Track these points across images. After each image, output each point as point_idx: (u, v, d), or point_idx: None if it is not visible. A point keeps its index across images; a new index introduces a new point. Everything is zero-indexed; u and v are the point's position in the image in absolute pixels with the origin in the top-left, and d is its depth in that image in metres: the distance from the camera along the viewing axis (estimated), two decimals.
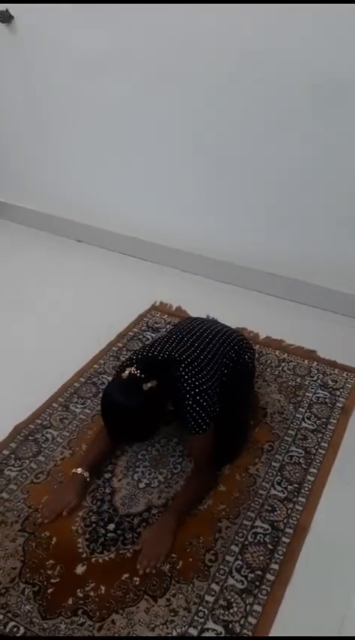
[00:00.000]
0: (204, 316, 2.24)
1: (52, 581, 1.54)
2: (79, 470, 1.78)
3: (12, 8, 2.64)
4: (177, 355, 1.72)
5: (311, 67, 2.15)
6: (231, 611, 1.49)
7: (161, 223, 2.93)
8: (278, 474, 1.87)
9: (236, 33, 2.22)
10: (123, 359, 2.14)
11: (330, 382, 2.26)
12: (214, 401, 1.70)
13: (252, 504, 1.76)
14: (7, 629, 1.43)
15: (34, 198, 3.29)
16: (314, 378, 2.28)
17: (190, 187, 2.75)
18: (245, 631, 1.44)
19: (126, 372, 1.55)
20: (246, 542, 1.65)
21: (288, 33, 2.13)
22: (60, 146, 3.00)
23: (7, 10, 2.65)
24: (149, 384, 1.51)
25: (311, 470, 1.88)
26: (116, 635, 1.43)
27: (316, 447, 1.97)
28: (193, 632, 1.44)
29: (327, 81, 2.14)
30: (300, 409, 2.13)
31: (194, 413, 1.64)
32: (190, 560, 1.60)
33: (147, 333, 2.53)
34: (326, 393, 2.20)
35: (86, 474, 1.77)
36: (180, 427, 1.99)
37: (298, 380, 2.27)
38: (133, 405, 1.51)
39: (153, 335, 2.51)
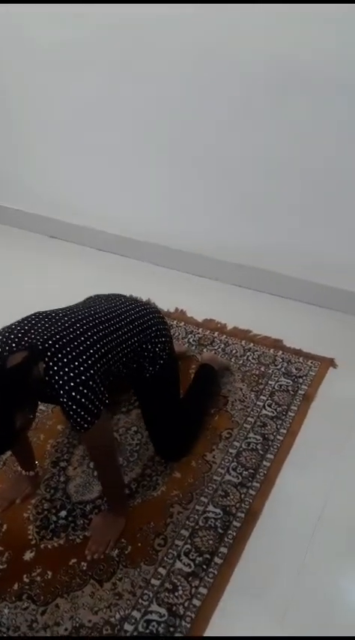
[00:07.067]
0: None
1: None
2: (24, 472, 1.76)
3: None
4: (41, 341, 1.40)
5: (278, 59, 2.16)
6: (177, 593, 1.48)
7: (132, 217, 2.94)
8: (235, 460, 1.87)
9: (201, 25, 2.22)
10: None
11: (294, 370, 2.26)
12: (98, 392, 1.42)
13: (206, 490, 1.76)
14: None
15: (5, 194, 3.30)
16: (279, 367, 2.28)
17: (160, 180, 2.76)
18: (188, 613, 1.44)
19: None
20: (197, 527, 1.65)
21: (252, 25, 2.13)
22: (30, 141, 3.02)
23: None
24: None
25: (268, 456, 1.88)
26: (59, 619, 1.43)
27: (274, 434, 1.97)
28: (136, 614, 1.44)
29: (289, 72, 2.15)
30: (262, 397, 2.12)
31: (71, 412, 1.38)
32: (139, 545, 1.60)
33: None
34: (289, 381, 2.20)
35: (31, 473, 1.76)
36: (140, 416, 2.00)
37: (262, 369, 2.27)
38: None
39: None
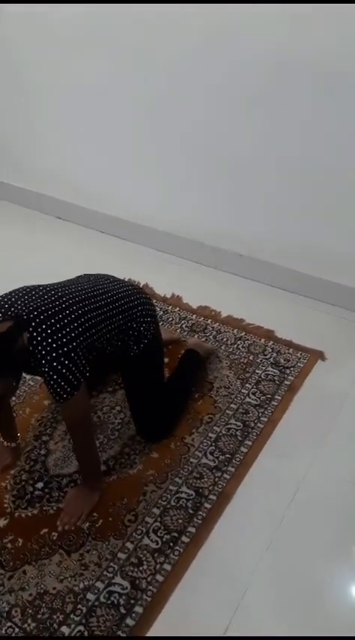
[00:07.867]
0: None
1: None
2: (5, 443, 1.81)
3: None
4: (26, 312, 1.45)
5: (278, 55, 2.15)
6: (141, 568, 1.52)
7: (136, 203, 2.96)
8: (213, 444, 1.89)
9: (201, 20, 2.23)
10: None
11: (282, 361, 2.27)
12: (80, 364, 1.47)
13: (181, 471, 1.79)
14: None
15: (14, 174, 3.35)
16: (268, 357, 2.29)
17: (166, 168, 2.77)
18: (150, 587, 1.47)
19: None
20: (168, 506, 1.68)
21: (250, 20, 2.13)
22: (41, 123, 3.05)
23: None
24: None
25: (246, 442, 1.90)
26: (25, 585, 1.47)
27: (255, 421, 1.98)
28: (100, 585, 1.48)
29: (291, 65, 2.14)
30: (247, 385, 2.14)
31: (51, 381, 1.44)
32: (110, 519, 1.64)
33: None
34: (276, 371, 2.21)
35: (13, 444, 1.81)
36: (125, 397, 2.04)
37: (251, 357, 2.28)
38: None
39: None
